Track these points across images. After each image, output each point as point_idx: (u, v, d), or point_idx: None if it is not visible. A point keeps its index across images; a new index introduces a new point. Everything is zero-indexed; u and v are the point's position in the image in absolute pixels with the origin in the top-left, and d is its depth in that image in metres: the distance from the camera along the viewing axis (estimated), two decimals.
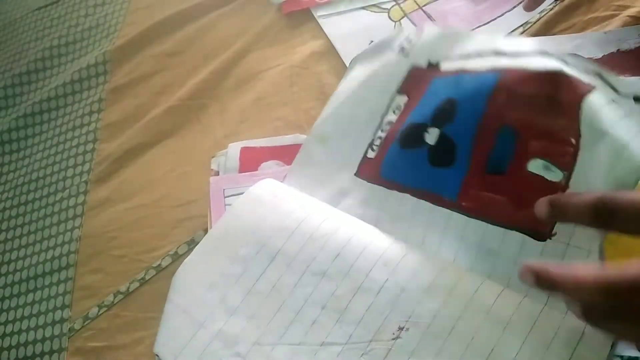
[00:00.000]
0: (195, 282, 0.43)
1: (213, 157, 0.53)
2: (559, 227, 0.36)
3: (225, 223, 0.45)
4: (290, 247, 0.41)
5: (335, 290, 0.39)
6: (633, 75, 0.43)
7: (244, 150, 0.52)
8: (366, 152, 0.46)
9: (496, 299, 0.35)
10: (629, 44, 0.45)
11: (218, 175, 0.51)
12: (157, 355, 0.40)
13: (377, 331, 0.37)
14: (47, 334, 0.49)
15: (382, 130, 0.46)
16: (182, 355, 0.39)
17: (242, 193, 0.47)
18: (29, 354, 0.48)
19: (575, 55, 0.41)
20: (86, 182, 0.58)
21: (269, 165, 0.50)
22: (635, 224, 0.30)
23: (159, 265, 0.48)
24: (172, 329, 0.41)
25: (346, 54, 0.55)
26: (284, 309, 0.39)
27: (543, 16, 0.51)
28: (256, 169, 0.51)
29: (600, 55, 0.45)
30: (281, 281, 0.40)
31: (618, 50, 0.45)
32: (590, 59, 0.45)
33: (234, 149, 0.52)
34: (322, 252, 0.40)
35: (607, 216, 0.31)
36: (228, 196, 0.49)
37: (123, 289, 0.48)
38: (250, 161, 0.51)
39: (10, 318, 0.51)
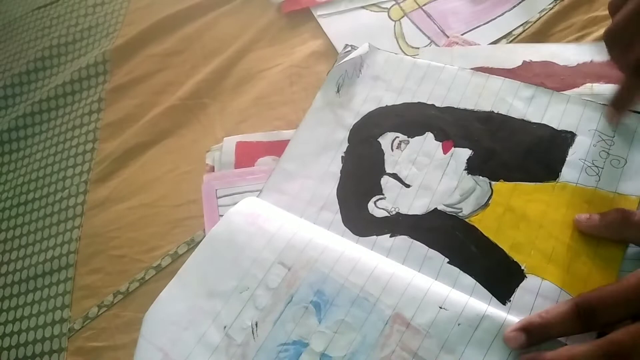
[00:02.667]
0: (171, 320, 0.41)
1: (208, 151, 0.52)
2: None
3: (202, 256, 0.44)
4: (270, 279, 0.40)
5: (318, 326, 0.38)
6: (608, 82, 0.44)
7: (240, 145, 0.51)
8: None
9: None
10: (601, 57, 0.46)
11: (213, 170, 0.51)
12: None
13: None
14: (47, 334, 0.49)
15: None
16: None
17: (234, 194, 0.46)
18: (28, 354, 0.48)
19: None
20: (86, 182, 0.58)
21: (266, 161, 0.50)
22: (616, 313, 0.32)
23: (159, 265, 0.48)
24: None
25: None
26: (266, 345, 0.38)
27: (543, 16, 0.51)
28: (252, 164, 0.50)
29: (575, 64, 0.46)
30: (262, 316, 0.39)
31: (591, 61, 0.46)
32: (565, 66, 0.46)
33: (230, 143, 0.51)
34: (304, 283, 0.40)
35: (591, 315, 0.33)
36: (221, 197, 0.48)
37: (123, 289, 0.48)
38: (247, 156, 0.50)
39: (10, 318, 0.51)
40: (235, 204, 0.46)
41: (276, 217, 0.44)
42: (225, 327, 0.40)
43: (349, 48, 0.52)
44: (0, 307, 0.53)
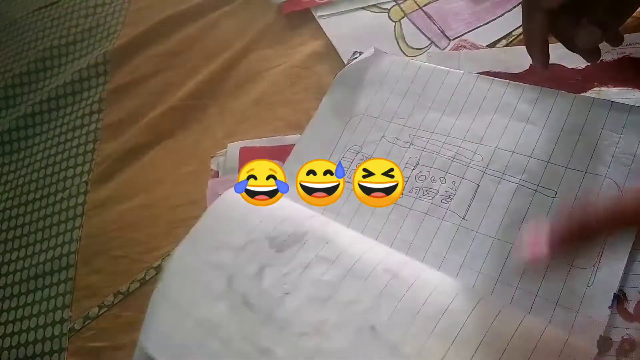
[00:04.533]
0: (183, 271, 0.43)
1: (212, 157, 0.53)
2: None
3: (215, 211, 0.46)
4: (278, 235, 0.42)
5: (322, 276, 0.39)
6: (615, 86, 0.43)
7: (244, 150, 0.52)
8: None
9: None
10: (612, 55, 0.45)
11: (217, 175, 0.51)
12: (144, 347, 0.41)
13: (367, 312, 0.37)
14: (48, 334, 0.49)
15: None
16: (166, 343, 0.40)
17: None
18: (29, 354, 0.48)
19: None
20: (86, 183, 0.58)
21: None
22: None
23: (159, 265, 0.48)
24: (158, 318, 0.41)
25: (346, 54, 0.55)
26: (269, 297, 0.39)
27: None
28: None
29: (583, 66, 0.45)
30: (267, 269, 0.41)
31: (601, 61, 0.45)
32: (573, 69, 0.45)
33: (234, 149, 0.52)
34: (311, 240, 0.41)
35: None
36: None
37: (123, 289, 0.49)
38: (250, 161, 0.51)
39: (11, 318, 0.51)
40: None
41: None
42: (229, 276, 0.41)
43: (357, 54, 0.53)
44: (0, 307, 0.53)
